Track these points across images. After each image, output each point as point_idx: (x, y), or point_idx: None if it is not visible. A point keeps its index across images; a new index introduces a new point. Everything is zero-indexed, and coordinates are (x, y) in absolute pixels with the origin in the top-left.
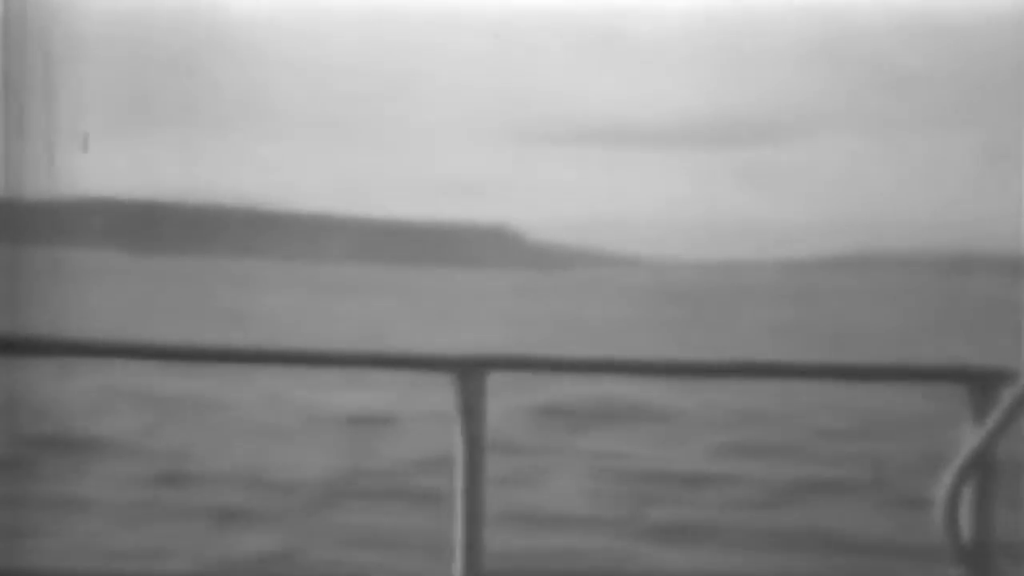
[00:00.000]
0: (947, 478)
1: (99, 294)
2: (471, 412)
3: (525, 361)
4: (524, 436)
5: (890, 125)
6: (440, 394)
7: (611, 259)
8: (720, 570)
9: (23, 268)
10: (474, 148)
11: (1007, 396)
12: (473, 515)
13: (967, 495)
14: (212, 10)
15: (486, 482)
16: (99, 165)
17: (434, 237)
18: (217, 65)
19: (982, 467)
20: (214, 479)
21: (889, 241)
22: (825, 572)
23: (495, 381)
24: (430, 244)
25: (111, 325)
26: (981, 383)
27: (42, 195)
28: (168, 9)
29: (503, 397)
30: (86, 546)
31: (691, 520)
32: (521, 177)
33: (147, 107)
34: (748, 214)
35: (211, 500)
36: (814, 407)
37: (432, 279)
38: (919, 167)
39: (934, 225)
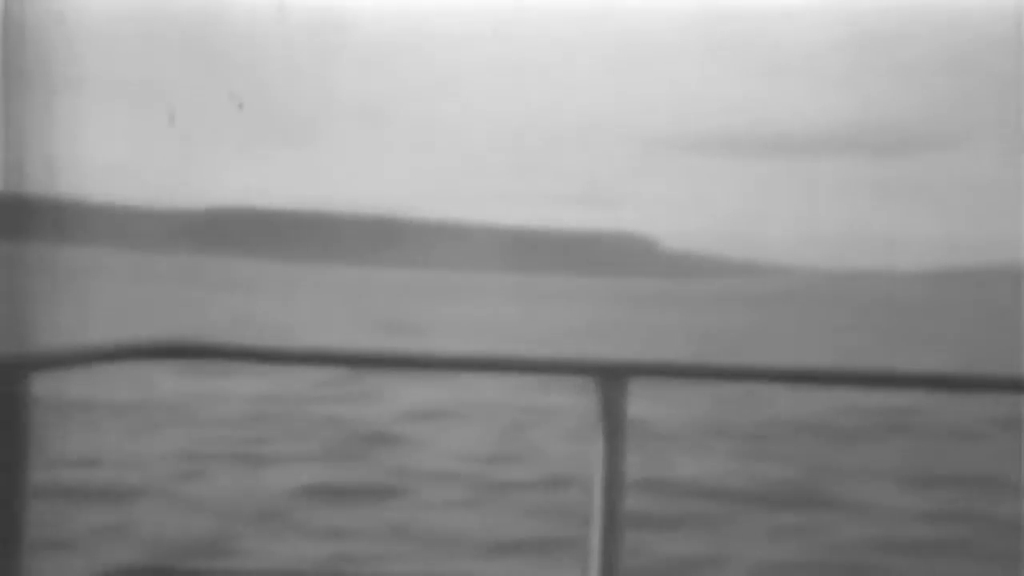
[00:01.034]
0: None
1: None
2: (612, 417)
3: (666, 368)
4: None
5: None
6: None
7: (747, 268)
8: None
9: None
10: (607, 157)
11: None
12: (611, 518)
13: None
14: (336, 21)
15: (624, 486)
16: (243, 175)
17: (567, 245)
18: (339, 74)
19: None
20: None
21: None
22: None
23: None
24: (563, 252)
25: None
26: None
27: (198, 204)
28: (294, 19)
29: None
30: None
31: None
32: (654, 186)
33: (273, 118)
34: (886, 224)
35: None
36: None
37: (566, 287)
38: None
39: None
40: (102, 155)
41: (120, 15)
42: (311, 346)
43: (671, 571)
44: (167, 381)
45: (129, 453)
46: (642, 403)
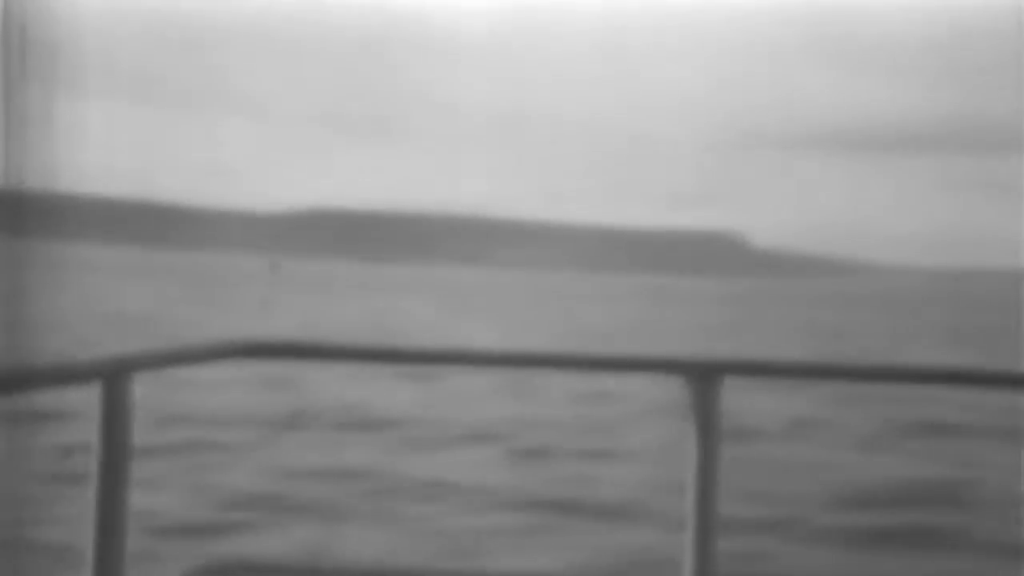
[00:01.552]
0: None
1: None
2: (705, 416)
3: (760, 366)
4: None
5: None
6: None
7: (841, 266)
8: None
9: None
10: (698, 156)
11: None
12: (705, 521)
13: None
14: (423, 21)
15: (718, 486)
16: (331, 177)
17: (659, 244)
18: (427, 75)
19: None
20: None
21: None
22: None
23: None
24: (655, 251)
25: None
26: None
27: (283, 208)
28: (376, 23)
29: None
30: None
31: None
32: (746, 184)
33: (359, 119)
34: (988, 223)
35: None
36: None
37: (657, 286)
38: None
39: None
40: (193, 159)
41: (202, 20)
42: (395, 344)
43: None
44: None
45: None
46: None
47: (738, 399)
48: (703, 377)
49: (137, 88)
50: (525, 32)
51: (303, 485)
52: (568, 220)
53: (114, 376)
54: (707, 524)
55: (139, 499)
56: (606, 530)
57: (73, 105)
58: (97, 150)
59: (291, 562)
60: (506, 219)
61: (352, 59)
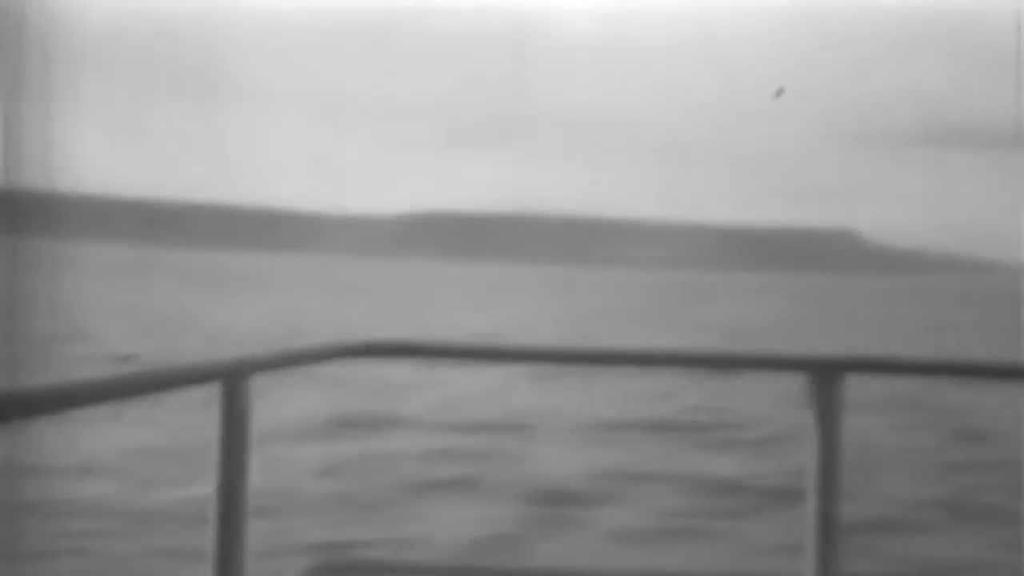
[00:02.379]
0: None
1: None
2: (827, 414)
3: (884, 363)
4: None
5: None
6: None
7: (962, 263)
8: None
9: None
10: (817, 153)
11: None
12: (827, 523)
13: None
14: (531, 24)
15: (841, 484)
16: (442, 179)
17: (777, 242)
18: (534, 76)
19: None
20: None
21: None
22: None
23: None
24: (774, 249)
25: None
26: None
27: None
28: (487, 22)
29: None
30: None
31: None
32: (865, 181)
33: (469, 122)
34: None
35: None
36: None
37: (779, 283)
38: None
39: None
40: (302, 163)
41: (305, 22)
42: (510, 343)
43: None
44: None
45: None
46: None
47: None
48: (826, 374)
49: (238, 91)
50: (632, 34)
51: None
52: (682, 219)
53: (233, 377)
54: (829, 525)
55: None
56: None
57: (145, 107)
58: (195, 154)
59: (403, 560)
60: (617, 219)
61: (457, 62)
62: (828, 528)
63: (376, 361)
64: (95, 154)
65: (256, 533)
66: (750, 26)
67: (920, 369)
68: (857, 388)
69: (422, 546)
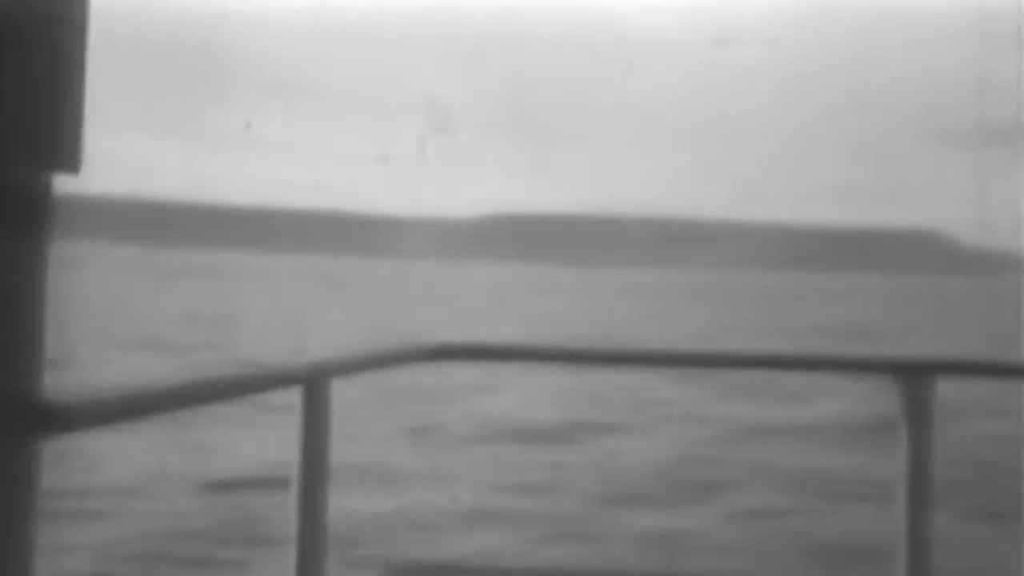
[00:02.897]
0: None
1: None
2: (918, 419)
3: (977, 366)
4: None
5: None
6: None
7: None
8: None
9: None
10: (901, 151)
11: None
12: (919, 532)
13: None
14: (601, 24)
15: (932, 487)
16: (502, 181)
17: (861, 242)
18: (607, 77)
19: None
20: None
21: None
22: None
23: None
24: (857, 249)
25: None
26: None
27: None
28: (553, 24)
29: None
30: None
31: None
32: (953, 180)
33: (543, 123)
34: None
35: None
36: None
37: (863, 285)
38: None
39: None
40: (370, 167)
41: (369, 19)
42: (592, 345)
43: None
44: None
45: None
46: None
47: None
48: (916, 377)
49: (306, 92)
50: (710, 31)
51: None
52: (758, 219)
53: (314, 381)
54: (921, 533)
55: None
56: None
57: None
58: (261, 157)
59: (481, 563)
60: (694, 219)
61: (529, 61)
62: (920, 536)
63: (452, 364)
64: (152, 155)
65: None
66: (825, 30)
67: (1012, 372)
68: (948, 391)
69: None
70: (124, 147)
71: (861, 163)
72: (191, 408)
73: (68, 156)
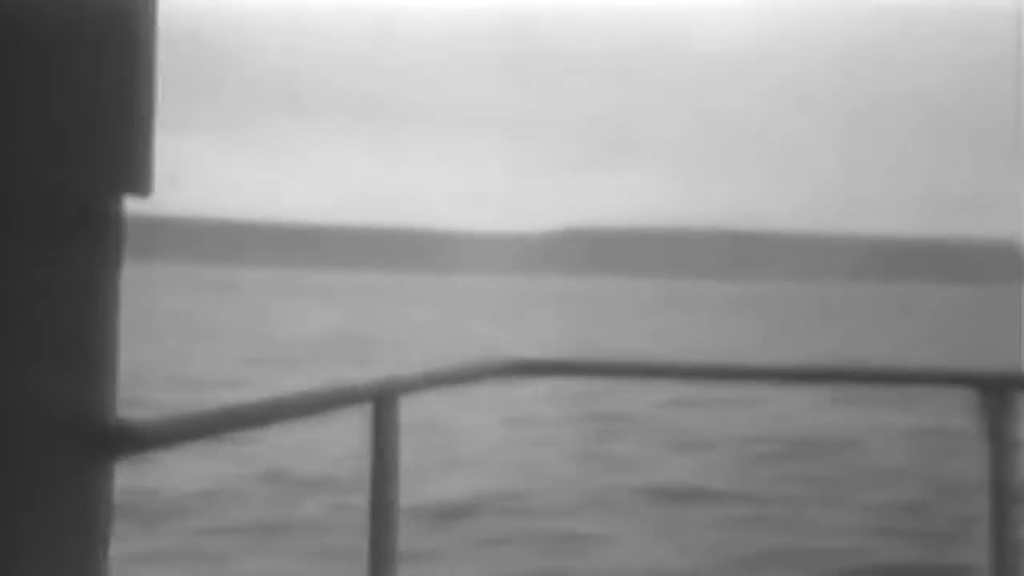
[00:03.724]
0: None
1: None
2: (999, 433)
3: None
4: None
5: None
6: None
7: None
8: None
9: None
10: (978, 162)
11: None
12: (1003, 545)
13: None
14: (675, 36)
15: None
16: (571, 195)
17: (936, 254)
18: (679, 90)
19: None
20: None
21: None
22: None
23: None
24: (932, 261)
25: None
26: None
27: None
28: (621, 36)
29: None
30: None
31: None
32: (1017, 189)
33: (608, 137)
34: None
35: None
36: None
37: (936, 297)
38: None
39: None
40: (442, 183)
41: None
42: (662, 359)
43: None
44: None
45: None
46: None
47: None
48: (997, 390)
49: (386, 113)
50: (768, 41)
51: None
52: (830, 230)
53: (384, 398)
54: (1007, 547)
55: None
56: None
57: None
58: (336, 177)
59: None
60: (762, 230)
61: (597, 74)
62: (1006, 550)
63: (524, 380)
64: (238, 177)
65: None
66: (891, 35)
67: None
68: None
69: None
70: (194, 167)
71: (936, 173)
72: (263, 427)
73: (139, 179)
